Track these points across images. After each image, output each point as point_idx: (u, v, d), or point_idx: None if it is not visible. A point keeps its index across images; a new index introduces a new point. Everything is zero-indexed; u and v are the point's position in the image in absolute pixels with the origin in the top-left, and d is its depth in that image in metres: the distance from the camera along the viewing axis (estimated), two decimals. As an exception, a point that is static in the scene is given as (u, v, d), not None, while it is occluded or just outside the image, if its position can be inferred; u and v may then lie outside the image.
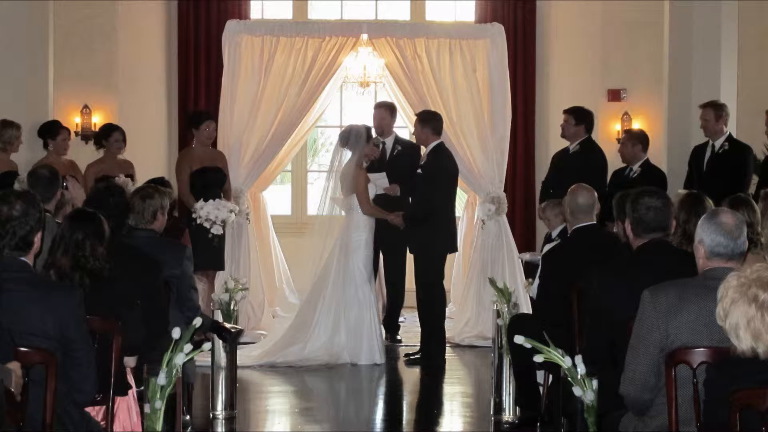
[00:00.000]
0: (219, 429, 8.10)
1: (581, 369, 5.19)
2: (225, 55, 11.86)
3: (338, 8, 14.23)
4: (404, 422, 8.65)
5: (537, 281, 7.68)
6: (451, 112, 11.65)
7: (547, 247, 8.02)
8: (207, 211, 10.61)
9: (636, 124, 12.82)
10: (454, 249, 10.90)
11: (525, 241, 13.11)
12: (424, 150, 10.51)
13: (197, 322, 6.02)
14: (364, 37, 12.04)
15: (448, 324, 10.88)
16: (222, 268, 10.93)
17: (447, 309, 11.09)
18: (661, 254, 5.60)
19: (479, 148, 11.71)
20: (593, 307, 5.69)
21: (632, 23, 13.01)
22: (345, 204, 10.47)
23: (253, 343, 10.73)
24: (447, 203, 10.38)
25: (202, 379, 8.69)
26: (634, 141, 10.60)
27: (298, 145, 12.59)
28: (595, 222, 7.43)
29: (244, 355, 9.66)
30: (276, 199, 14.23)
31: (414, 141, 10.95)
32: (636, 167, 10.49)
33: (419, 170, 10.32)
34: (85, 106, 12.74)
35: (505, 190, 11.91)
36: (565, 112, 10.90)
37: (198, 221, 10.57)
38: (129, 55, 13.01)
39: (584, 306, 6.16)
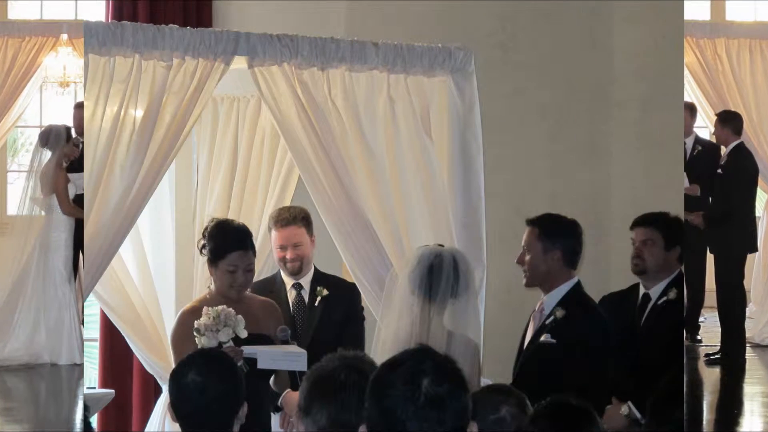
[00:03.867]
0: None
1: None
2: None
3: (38, 8, 13.62)
4: (704, 422, 8.62)
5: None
6: (751, 112, 11.53)
7: None
8: None
9: None
10: (754, 249, 10.78)
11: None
12: (724, 150, 10.48)
13: None
14: (64, 37, 12.12)
15: (747, 324, 10.74)
16: None
17: (747, 309, 10.98)
18: None
19: (780, 148, 11.56)
20: None
21: None
22: (45, 204, 10.37)
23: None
24: (746, 203, 10.29)
25: None
26: None
27: (-1, 145, 12.49)
28: None
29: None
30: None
31: (714, 141, 10.94)
32: None
33: (719, 170, 10.30)
34: None
35: (809, 190, 11.71)
36: None
37: None
38: None
39: None
